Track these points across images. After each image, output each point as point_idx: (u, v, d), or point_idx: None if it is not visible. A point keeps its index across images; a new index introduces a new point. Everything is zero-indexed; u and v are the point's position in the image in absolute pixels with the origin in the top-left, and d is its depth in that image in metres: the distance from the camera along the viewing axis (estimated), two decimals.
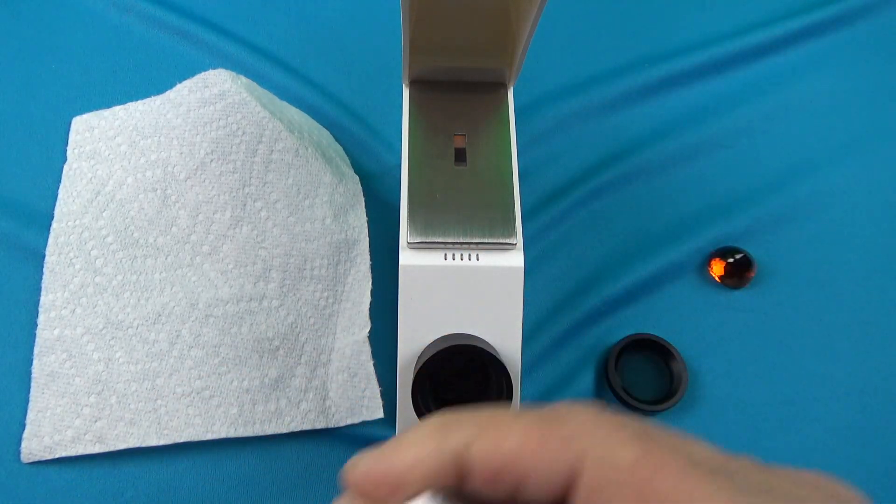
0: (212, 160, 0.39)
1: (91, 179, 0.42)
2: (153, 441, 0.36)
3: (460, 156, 0.35)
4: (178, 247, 0.40)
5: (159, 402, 0.37)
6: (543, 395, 0.41)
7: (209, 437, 0.36)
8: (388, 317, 0.40)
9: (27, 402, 0.37)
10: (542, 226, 0.45)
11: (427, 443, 0.17)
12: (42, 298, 0.39)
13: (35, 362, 0.38)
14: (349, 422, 0.38)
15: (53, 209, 0.41)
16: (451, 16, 0.34)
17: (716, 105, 0.50)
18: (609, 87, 0.49)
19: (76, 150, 0.43)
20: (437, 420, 0.17)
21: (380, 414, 0.38)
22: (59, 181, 0.42)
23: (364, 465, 0.17)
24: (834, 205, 0.47)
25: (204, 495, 0.37)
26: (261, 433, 0.37)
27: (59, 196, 0.42)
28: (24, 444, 0.36)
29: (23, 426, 0.37)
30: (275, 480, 0.38)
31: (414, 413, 0.32)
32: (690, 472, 0.15)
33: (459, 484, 0.17)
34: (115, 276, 0.39)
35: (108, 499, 0.37)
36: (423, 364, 0.31)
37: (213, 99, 0.39)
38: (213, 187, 0.40)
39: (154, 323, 0.38)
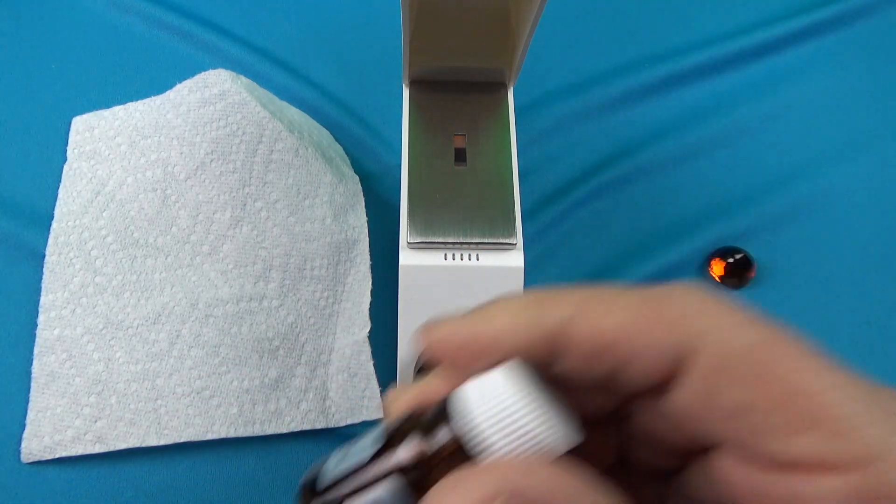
0: (212, 160, 0.39)
1: (91, 179, 0.42)
2: (153, 441, 0.36)
3: (460, 156, 0.35)
4: (178, 247, 0.40)
5: (159, 402, 0.37)
6: None
7: (209, 437, 0.36)
8: (388, 317, 0.40)
9: (27, 402, 0.37)
10: (542, 226, 0.45)
11: (522, 314, 0.15)
12: (42, 298, 0.39)
13: (35, 362, 0.37)
14: (349, 422, 0.38)
15: (53, 209, 0.41)
16: (451, 16, 0.34)
17: (716, 105, 0.50)
18: (609, 87, 0.49)
19: (76, 150, 0.43)
20: (533, 294, 0.16)
21: (380, 414, 0.38)
22: (59, 181, 0.42)
23: (447, 329, 0.16)
24: (834, 205, 0.47)
25: (204, 495, 0.37)
26: (261, 433, 0.37)
27: (59, 196, 0.42)
28: (24, 444, 0.36)
29: (23, 426, 0.37)
30: (275, 480, 0.38)
31: None
32: (810, 360, 0.14)
33: (550, 361, 0.16)
34: (115, 276, 0.39)
35: (108, 499, 0.37)
36: (424, 364, 0.31)
37: (213, 99, 0.39)
38: (213, 187, 0.40)
39: (154, 323, 0.38)
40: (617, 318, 0.15)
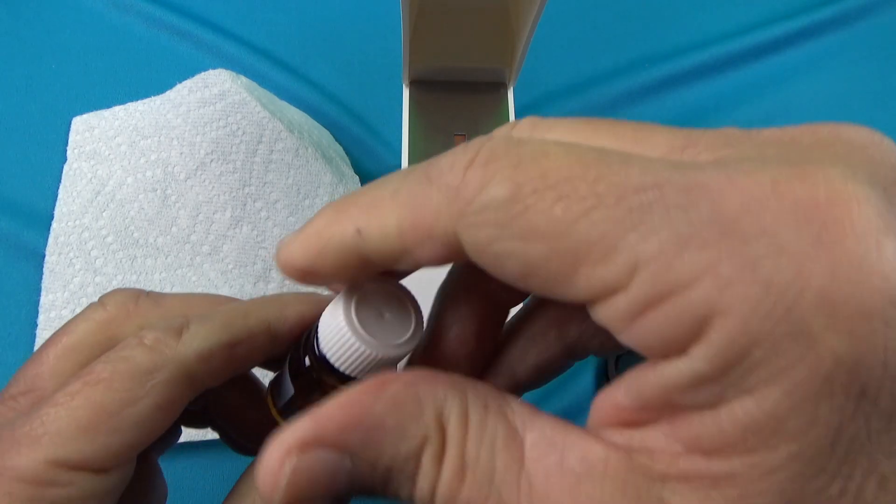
0: (212, 160, 0.39)
1: (91, 179, 0.42)
2: None
3: None
4: (178, 247, 0.40)
5: None
6: (543, 394, 0.41)
7: (209, 437, 0.36)
8: None
9: None
10: None
11: (327, 231, 0.16)
12: (42, 298, 0.39)
13: None
14: None
15: (53, 209, 0.41)
16: (451, 16, 0.34)
17: (716, 105, 0.50)
18: (609, 87, 0.49)
19: (76, 150, 0.43)
20: (334, 206, 0.16)
21: None
22: (59, 181, 0.42)
23: (287, 253, 0.17)
24: None
25: (204, 495, 0.37)
26: None
27: (59, 196, 0.42)
28: None
29: None
30: None
31: None
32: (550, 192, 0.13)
33: (378, 268, 0.16)
34: (115, 276, 0.39)
35: None
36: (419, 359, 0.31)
37: (213, 99, 0.39)
38: (213, 187, 0.40)
39: None
40: (392, 225, 0.15)
